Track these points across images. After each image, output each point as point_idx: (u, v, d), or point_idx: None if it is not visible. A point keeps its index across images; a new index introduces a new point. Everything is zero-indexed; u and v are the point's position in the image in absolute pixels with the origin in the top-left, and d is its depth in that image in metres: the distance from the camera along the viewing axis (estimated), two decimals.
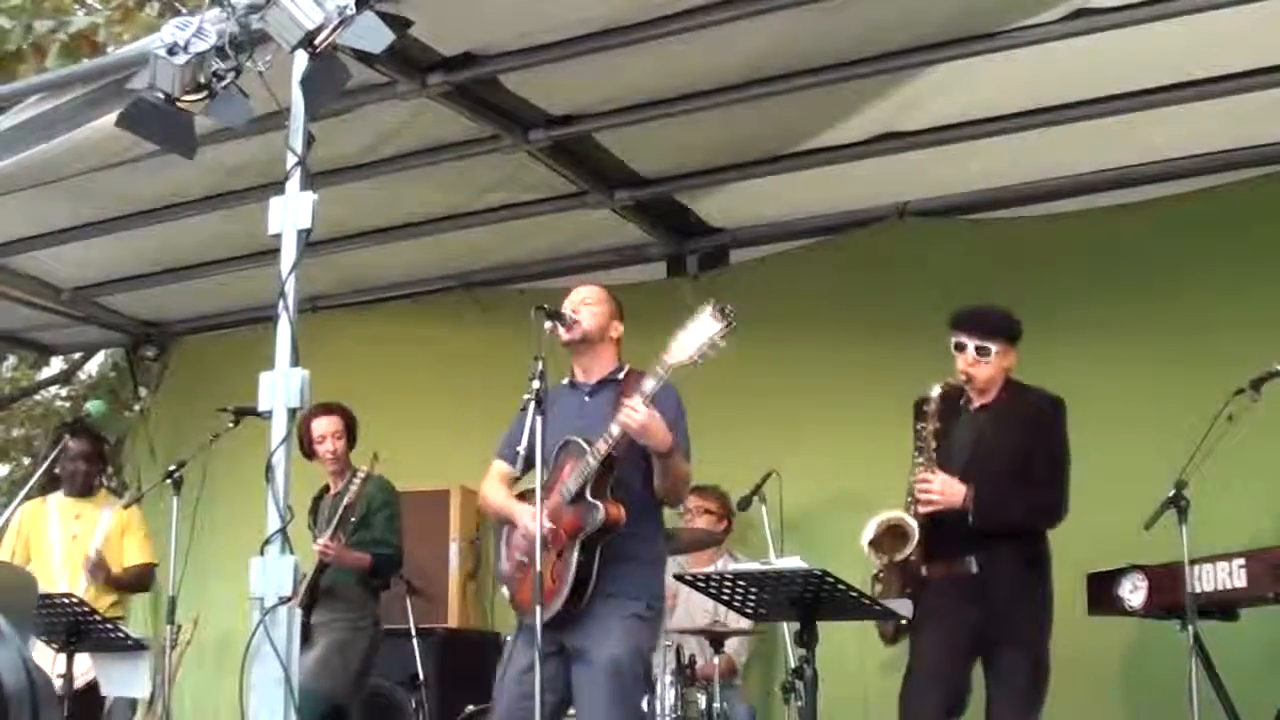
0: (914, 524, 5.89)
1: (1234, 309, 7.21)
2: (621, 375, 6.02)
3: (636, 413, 5.53)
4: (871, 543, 5.98)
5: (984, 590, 5.87)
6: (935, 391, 6.09)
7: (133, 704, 8.00)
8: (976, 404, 6.15)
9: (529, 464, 5.69)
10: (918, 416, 6.16)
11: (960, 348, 6.09)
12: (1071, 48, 6.44)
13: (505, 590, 6.02)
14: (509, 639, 6.08)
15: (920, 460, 6.03)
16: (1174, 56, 6.58)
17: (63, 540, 8.05)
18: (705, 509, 7.94)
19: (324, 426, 7.76)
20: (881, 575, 6.04)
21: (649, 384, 5.60)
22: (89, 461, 8.17)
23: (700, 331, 5.51)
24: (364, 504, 7.61)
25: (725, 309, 5.50)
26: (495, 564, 6.21)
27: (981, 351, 6.06)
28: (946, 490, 5.90)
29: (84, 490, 8.20)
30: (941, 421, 6.10)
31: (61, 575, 7.85)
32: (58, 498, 8.24)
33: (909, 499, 5.98)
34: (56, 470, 8.25)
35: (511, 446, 5.96)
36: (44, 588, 7.49)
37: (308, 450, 7.64)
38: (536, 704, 5.31)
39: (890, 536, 5.96)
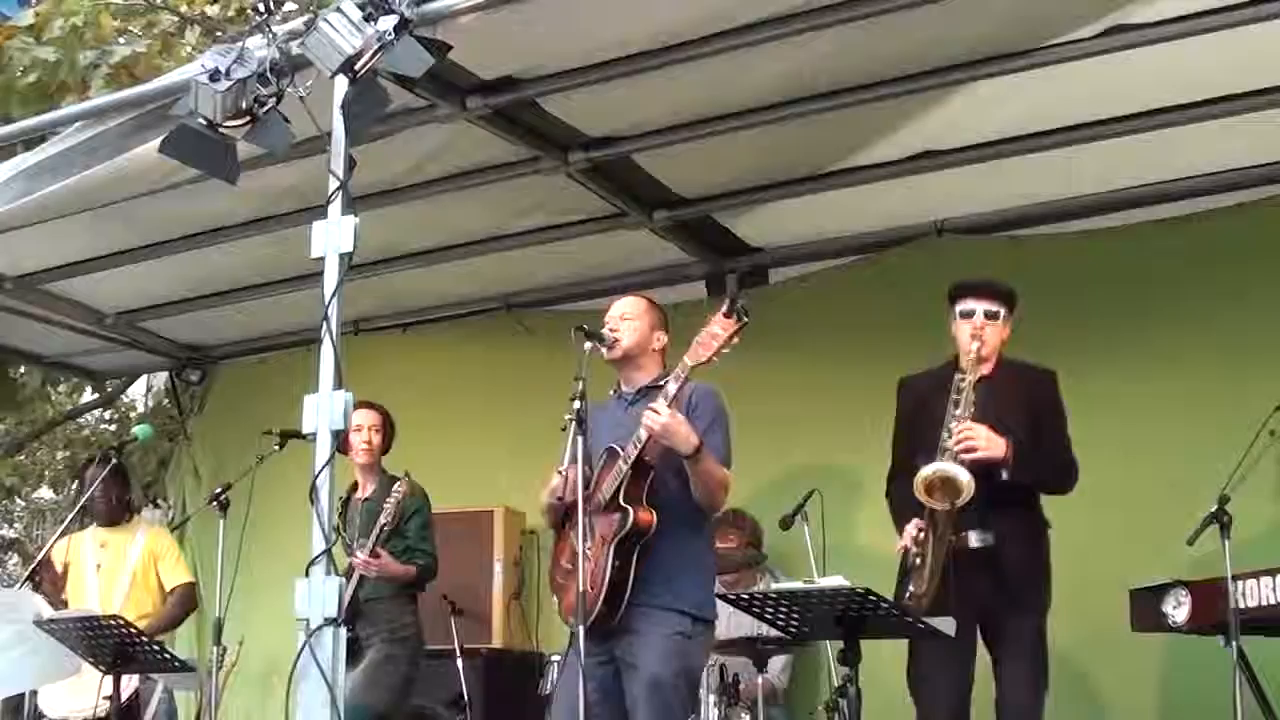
0: (968, 476, 5.65)
1: (1273, 324, 7.17)
2: (664, 383, 6.05)
3: (659, 415, 5.60)
4: (926, 488, 5.73)
5: (994, 563, 5.81)
6: (974, 345, 5.94)
7: (171, 714, 8.03)
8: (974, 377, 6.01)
9: (566, 476, 5.72)
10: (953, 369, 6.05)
11: (968, 314, 6.04)
12: (1108, 64, 6.44)
13: (555, 599, 6.07)
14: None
15: (958, 412, 5.85)
16: (1210, 72, 6.56)
17: (94, 572, 8.09)
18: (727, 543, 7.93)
19: (363, 418, 7.78)
20: (920, 539, 5.80)
21: (670, 386, 5.67)
22: (108, 490, 8.16)
23: (715, 330, 5.59)
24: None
25: (739, 305, 5.59)
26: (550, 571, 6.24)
27: (990, 316, 6.02)
28: (991, 440, 5.78)
29: (110, 519, 8.22)
30: (934, 399, 5.99)
31: (96, 607, 7.87)
32: (91, 529, 8.28)
33: (943, 454, 5.77)
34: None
35: (564, 457, 6.06)
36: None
37: (343, 442, 7.60)
38: (580, 709, 5.34)
39: (940, 486, 5.72)
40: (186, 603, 8.24)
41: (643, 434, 5.68)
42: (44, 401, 15.91)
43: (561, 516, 6.01)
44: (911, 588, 5.77)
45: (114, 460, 8.05)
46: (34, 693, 7.75)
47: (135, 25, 11.68)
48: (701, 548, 6.07)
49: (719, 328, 5.59)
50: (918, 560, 5.81)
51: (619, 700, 5.73)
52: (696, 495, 5.86)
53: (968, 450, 5.74)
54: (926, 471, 5.68)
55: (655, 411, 5.60)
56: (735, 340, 5.58)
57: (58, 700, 7.59)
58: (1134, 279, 7.69)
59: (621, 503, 5.75)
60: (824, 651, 7.67)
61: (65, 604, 8.00)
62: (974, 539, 5.83)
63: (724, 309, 5.60)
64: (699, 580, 5.99)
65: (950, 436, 5.78)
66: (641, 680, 5.66)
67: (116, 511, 8.22)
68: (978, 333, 5.98)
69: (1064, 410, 6.09)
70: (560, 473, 5.73)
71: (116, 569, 8.04)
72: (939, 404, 5.93)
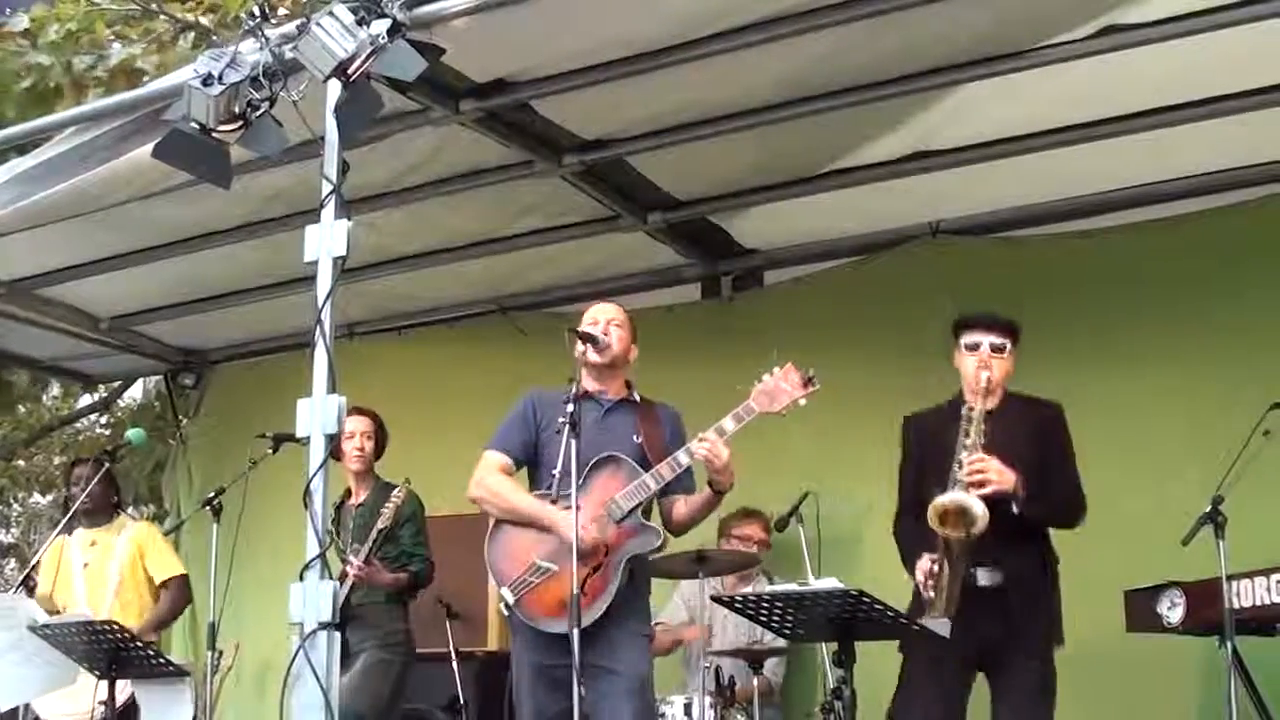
0: (983, 508, 5.52)
1: (1267, 324, 7.17)
2: (638, 399, 6.16)
3: (723, 451, 5.75)
4: (940, 516, 5.58)
5: (1001, 603, 5.72)
6: (985, 375, 5.84)
7: None
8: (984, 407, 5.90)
9: (562, 483, 5.67)
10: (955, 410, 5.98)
11: (974, 347, 5.95)
12: (1101, 65, 6.44)
13: (507, 592, 5.92)
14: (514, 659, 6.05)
15: (968, 442, 5.73)
16: (1204, 72, 6.56)
17: (81, 572, 8.09)
18: (751, 537, 7.98)
19: (355, 425, 7.77)
20: (935, 572, 5.66)
21: (729, 424, 5.80)
22: (96, 488, 8.17)
23: (785, 387, 5.84)
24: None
25: (810, 376, 5.88)
26: (490, 559, 6.11)
27: (997, 349, 5.93)
28: (1002, 473, 5.64)
29: (97, 518, 8.23)
30: (940, 433, 5.94)
31: (85, 608, 7.88)
32: (79, 530, 8.28)
33: (953, 484, 5.65)
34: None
35: (511, 441, 6.15)
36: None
37: (335, 449, 7.58)
38: (575, 712, 5.31)
39: (954, 515, 5.57)
40: (179, 597, 8.19)
41: (683, 459, 5.79)
42: (34, 402, 15.90)
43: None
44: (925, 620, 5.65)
45: (104, 462, 8.05)
46: None
47: (133, 32, 11.68)
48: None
49: (789, 385, 5.85)
50: (931, 594, 5.68)
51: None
52: (689, 520, 6.07)
53: (979, 483, 5.63)
54: (942, 500, 5.58)
55: (721, 448, 5.76)
56: (802, 404, 5.87)
57: (53, 704, 7.58)
58: (1129, 279, 7.69)
59: (643, 520, 5.87)
60: (819, 654, 7.67)
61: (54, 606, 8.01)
62: (983, 577, 5.72)
63: (804, 375, 5.86)
64: (648, 590, 6.19)
65: (961, 467, 5.68)
66: (626, 683, 5.71)
67: (104, 511, 8.22)
68: (986, 363, 5.91)
69: (1071, 444, 6.01)
70: (553, 475, 5.71)
71: (104, 567, 8.03)
72: (948, 438, 5.84)
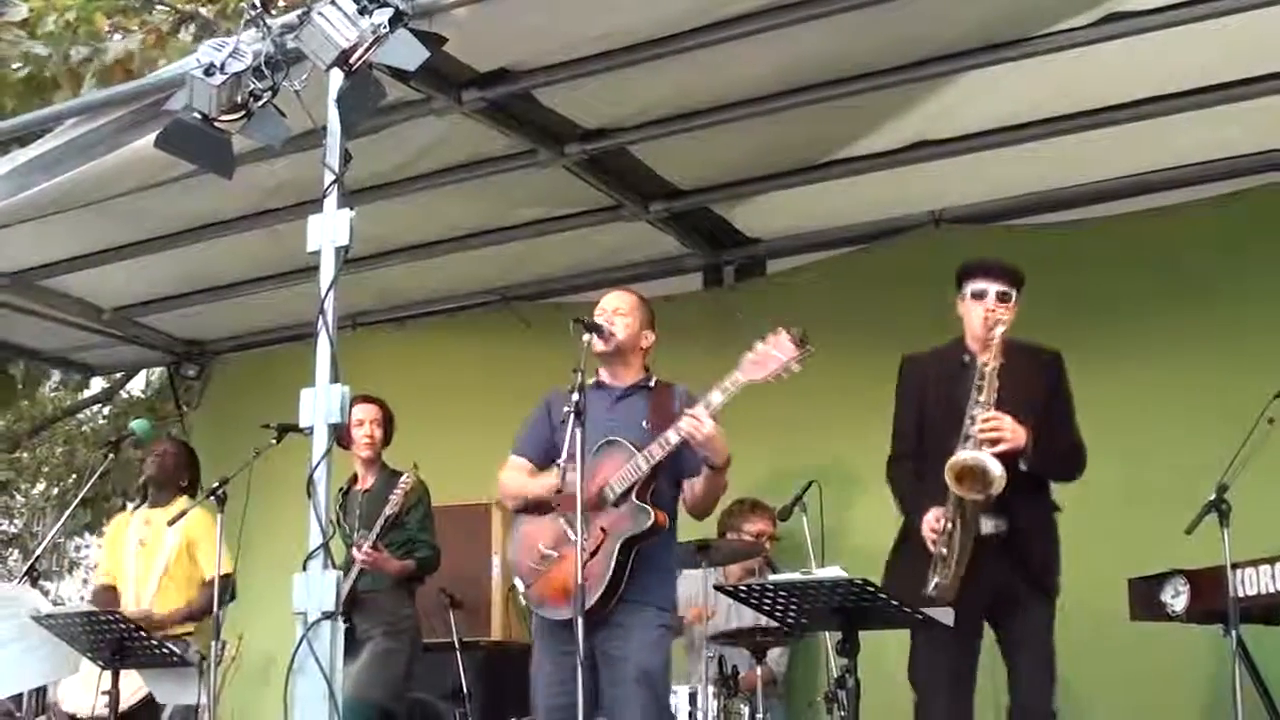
0: (1000, 468, 5.49)
1: (1269, 311, 7.17)
2: (652, 384, 6.11)
3: (704, 423, 5.62)
4: (957, 476, 5.56)
5: (1008, 551, 5.73)
6: (998, 330, 5.78)
7: (187, 711, 8.02)
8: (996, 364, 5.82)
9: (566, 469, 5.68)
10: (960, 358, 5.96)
11: (980, 295, 5.91)
12: (1104, 52, 6.43)
13: (519, 582, 6.03)
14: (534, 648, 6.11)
15: (981, 399, 5.68)
16: (1206, 59, 6.56)
17: (135, 551, 8.08)
18: (764, 532, 7.98)
19: (363, 413, 7.84)
20: (946, 529, 5.62)
21: (716, 397, 5.68)
22: (164, 466, 8.19)
23: (776, 354, 5.64)
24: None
25: (804, 336, 5.65)
26: (509, 555, 6.22)
27: (1003, 297, 5.88)
28: (1015, 430, 5.62)
29: (160, 497, 8.21)
30: (942, 379, 5.95)
31: (130, 587, 7.91)
32: (141, 508, 8.29)
33: (966, 442, 5.62)
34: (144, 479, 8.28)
35: (530, 444, 6.15)
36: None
37: (344, 437, 7.60)
38: (579, 704, 5.32)
39: (972, 476, 5.55)
40: (208, 601, 8.11)
41: (673, 438, 5.70)
42: (32, 387, 15.89)
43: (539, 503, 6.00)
44: (936, 579, 5.63)
45: (183, 440, 8.09)
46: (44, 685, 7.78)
47: (131, 23, 11.67)
48: (674, 549, 6.17)
49: (780, 351, 5.64)
50: (943, 551, 5.65)
51: (592, 690, 5.66)
52: (701, 502, 5.96)
53: (994, 441, 5.61)
54: (962, 458, 5.56)
55: (701, 420, 5.63)
56: (795, 369, 5.64)
57: (76, 695, 7.57)
58: (1132, 267, 7.69)
59: (636, 500, 5.79)
60: (823, 642, 7.66)
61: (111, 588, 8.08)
62: (985, 525, 5.70)
63: (794, 335, 5.65)
64: (672, 579, 6.18)
65: (974, 424, 5.65)
66: (630, 672, 5.69)
67: (170, 489, 8.19)
68: (993, 315, 5.85)
69: (1071, 393, 6.02)
70: (559, 465, 5.70)
71: (155, 550, 8.01)
72: (950, 387, 5.86)
